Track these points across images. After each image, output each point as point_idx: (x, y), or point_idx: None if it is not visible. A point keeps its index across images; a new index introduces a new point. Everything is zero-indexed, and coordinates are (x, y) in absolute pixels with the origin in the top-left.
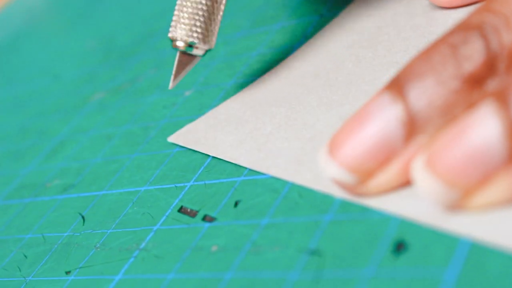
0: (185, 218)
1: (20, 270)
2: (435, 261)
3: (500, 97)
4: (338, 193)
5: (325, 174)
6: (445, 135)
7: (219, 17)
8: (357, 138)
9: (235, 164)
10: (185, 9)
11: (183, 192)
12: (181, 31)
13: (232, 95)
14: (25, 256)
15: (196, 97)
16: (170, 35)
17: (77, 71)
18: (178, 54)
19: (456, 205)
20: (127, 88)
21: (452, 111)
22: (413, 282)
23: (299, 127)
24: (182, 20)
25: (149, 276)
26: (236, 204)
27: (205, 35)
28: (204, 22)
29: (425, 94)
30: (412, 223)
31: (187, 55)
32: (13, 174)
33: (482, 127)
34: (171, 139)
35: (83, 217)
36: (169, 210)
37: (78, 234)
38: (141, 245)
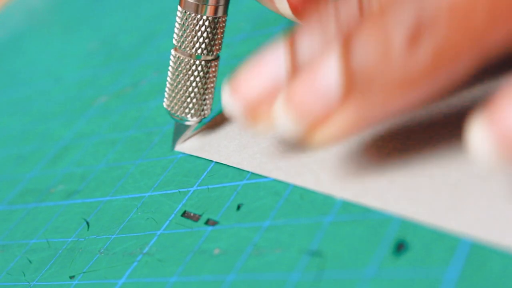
0: (188, 222)
1: (24, 275)
2: (436, 261)
3: (345, 43)
4: (340, 194)
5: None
6: (299, 77)
7: (212, 87)
8: (251, 76)
9: (238, 168)
10: (176, 84)
11: (186, 197)
12: (175, 105)
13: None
14: (30, 261)
15: None
16: (165, 106)
17: (79, 74)
18: (175, 123)
19: (302, 138)
20: (130, 92)
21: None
22: (414, 282)
23: None
24: (174, 95)
25: (152, 280)
26: (238, 207)
27: (198, 109)
28: (196, 97)
29: (308, 36)
30: (412, 223)
31: (183, 123)
32: (17, 179)
33: (326, 69)
34: (177, 148)
35: (87, 223)
36: (173, 215)
37: (83, 239)
38: (144, 249)
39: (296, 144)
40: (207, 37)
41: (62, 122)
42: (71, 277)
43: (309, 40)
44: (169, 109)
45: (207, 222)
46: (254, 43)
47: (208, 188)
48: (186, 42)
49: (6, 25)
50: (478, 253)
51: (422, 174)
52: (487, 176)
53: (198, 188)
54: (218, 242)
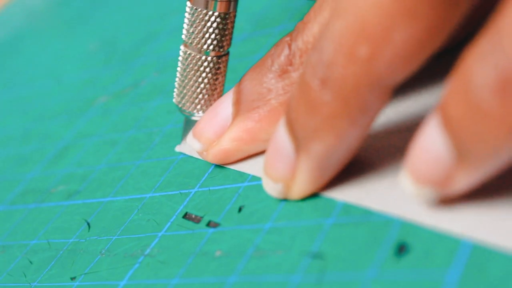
0: (190, 224)
1: (25, 276)
2: (437, 263)
3: (287, 114)
4: (340, 197)
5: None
6: (268, 147)
7: (222, 82)
8: (205, 118)
9: (239, 171)
10: (186, 80)
11: (187, 199)
12: (184, 101)
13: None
14: (31, 262)
15: None
16: (175, 102)
17: (79, 74)
18: (184, 118)
19: (285, 196)
20: (130, 92)
21: (267, 95)
22: (415, 284)
23: None
24: (183, 91)
25: (153, 282)
26: (240, 209)
27: (208, 104)
28: (207, 92)
29: (250, 82)
30: (413, 225)
31: (193, 119)
32: (17, 180)
33: (279, 135)
34: (178, 148)
35: (88, 224)
36: (174, 217)
37: (84, 240)
38: (146, 251)
39: None
40: (218, 33)
41: (62, 122)
42: (72, 279)
43: (250, 88)
44: (179, 104)
45: (209, 224)
46: (255, 43)
47: (209, 189)
48: (196, 38)
49: (6, 25)
50: (479, 255)
51: None
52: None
53: (199, 189)
54: (220, 244)
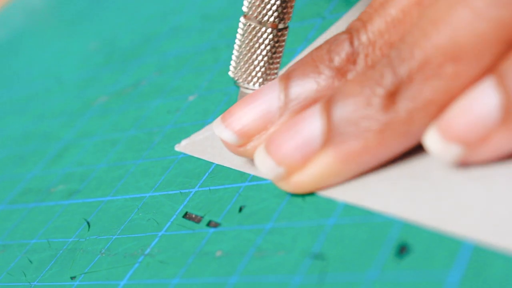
0: (190, 223)
1: (25, 275)
2: (438, 264)
3: (328, 100)
4: (342, 197)
5: (217, 135)
6: (283, 126)
7: (280, 57)
8: (244, 109)
9: (240, 170)
10: (244, 51)
11: (188, 198)
12: (240, 73)
13: (236, 100)
14: (30, 262)
15: (200, 102)
16: (231, 74)
17: (79, 74)
18: (239, 91)
19: (280, 179)
20: (130, 92)
21: (322, 94)
22: (416, 285)
23: None
24: (241, 62)
25: (153, 281)
26: (240, 209)
27: (264, 78)
28: (264, 65)
29: (302, 80)
30: (415, 226)
31: (247, 91)
32: (17, 179)
33: (308, 122)
34: (178, 148)
35: (88, 223)
36: (174, 216)
37: (83, 239)
38: (146, 250)
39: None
40: (280, 5)
41: (62, 122)
42: (72, 278)
43: (301, 83)
44: (235, 77)
45: (209, 224)
46: None
47: (209, 189)
48: (257, 10)
49: (6, 25)
50: (481, 256)
51: (424, 177)
52: (489, 179)
53: (200, 189)
54: (220, 244)
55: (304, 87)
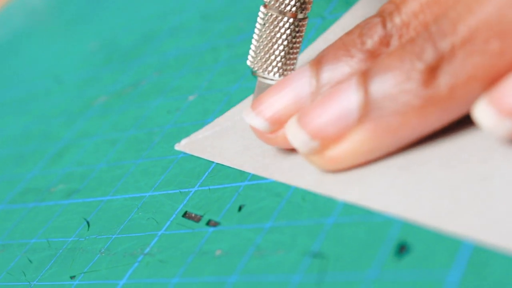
0: (190, 223)
1: (25, 275)
2: (438, 263)
3: (364, 73)
4: (341, 197)
5: (247, 122)
6: (317, 99)
7: (298, 47)
8: (275, 96)
9: (239, 169)
10: (263, 41)
11: (187, 198)
12: (259, 63)
13: (237, 100)
14: (30, 261)
15: (200, 102)
16: (249, 64)
17: (79, 74)
18: (257, 82)
19: (314, 154)
20: (130, 92)
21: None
22: (416, 284)
23: None
24: (260, 52)
25: (153, 281)
26: (240, 208)
27: (283, 68)
28: (284, 55)
29: (334, 64)
30: (414, 225)
31: (265, 82)
32: (17, 179)
33: (345, 95)
34: (178, 147)
35: (88, 222)
36: (174, 215)
37: (83, 239)
38: (145, 250)
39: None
40: None
41: (62, 122)
42: (72, 277)
43: (333, 68)
44: (253, 67)
45: (209, 223)
46: None
47: (209, 189)
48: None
49: (6, 25)
50: (480, 255)
51: (424, 176)
52: (489, 178)
53: (199, 188)
54: (220, 243)
55: (336, 71)
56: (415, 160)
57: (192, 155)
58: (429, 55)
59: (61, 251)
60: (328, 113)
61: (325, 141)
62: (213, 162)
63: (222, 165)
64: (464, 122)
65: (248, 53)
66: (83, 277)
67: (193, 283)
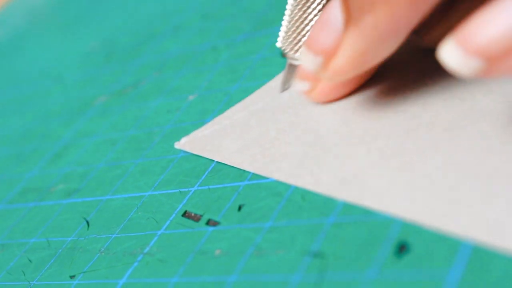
0: (189, 222)
1: (24, 274)
2: (438, 263)
3: None
4: (340, 196)
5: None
6: (316, 19)
7: None
8: (315, 30)
9: (239, 169)
10: (294, 22)
11: (187, 197)
12: (290, 44)
13: (236, 100)
14: (30, 261)
15: (199, 101)
16: (279, 45)
17: (79, 74)
18: (287, 63)
19: (321, 69)
20: (130, 91)
21: None
22: (416, 284)
23: (303, 132)
24: (290, 33)
25: (153, 280)
26: (239, 208)
27: None
28: None
29: None
30: (414, 225)
31: (295, 63)
32: (17, 178)
33: (330, 8)
34: (178, 145)
35: (87, 222)
36: (173, 215)
37: (83, 238)
38: (145, 249)
39: (299, 148)
40: None
41: (62, 122)
42: (71, 277)
43: None
44: (283, 47)
45: (208, 223)
46: (255, 43)
47: (209, 188)
48: None
49: (6, 25)
50: (480, 255)
51: (423, 176)
52: (488, 179)
53: (199, 188)
54: (219, 242)
55: None
56: (415, 160)
57: (192, 155)
58: None
59: (60, 250)
60: (320, 29)
61: (326, 54)
62: (212, 161)
63: (222, 164)
64: (464, 123)
65: (248, 53)
66: (83, 277)
67: (193, 283)
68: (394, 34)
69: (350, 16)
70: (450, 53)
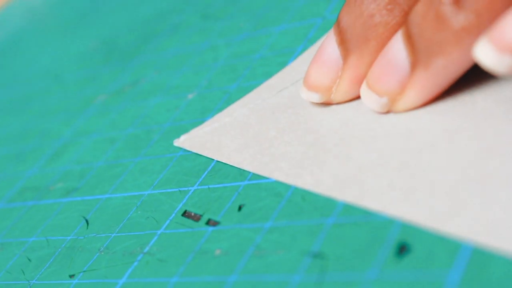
0: (189, 222)
1: (24, 274)
2: (438, 264)
3: (406, 25)
4: (341, 196)
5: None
6: (376, 60)
7: None
8: (314, 67)
9: (239, 168)
10: None
11: (187, 196)
12: None
13: (236, 98)
14: (29, 260)
15: (199, 100)
16: None
17: (78, 73)
18: None
19: (387, 109)
20: (130, 90)
21: (372, 22)
22: (416, 284)
23: (303, 132)
24: None
25: (152, 280)
26: (239, 208)
27: None
28: None
29: (349, 16)
30: (414, 225)
31: None
32: (16, 177)
33: (394, 49)
34: (177, 143)
35: (87, 221)
36: (173, 214)
37: (82, 237)
38: (145, 249)
39: (299, 148)
40: None
41: (61, 120)
42: (71, 276)
43: (352, 26)
44: None
45: (208, 223)
46: (255, 43)
47: (208, 188)
48: None
49: (6, 25)
50: (481, 256)
51: (422, 176)
52: (488, 180)
53: (199, 187)
54: (220, 242)
55: (354, 24)
56: (415, 160)
57: (191, 154)
58: None
59: (60, 249)
60: (386, 70)
61: (391, 95)
62: (212, 160)
63: (222, 164)
64: (464, 124)
65: (247, 52)
66: (82, 276)
67: (193, 283)
68: (465, 69)
69: (417, 59)
70: (485, 52)
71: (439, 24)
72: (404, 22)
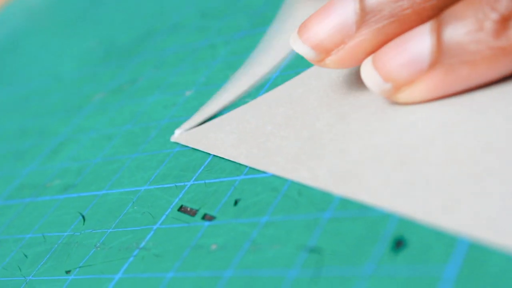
0: (185, 217)
1: (20, 270)
2: (435, 259)
3: (438, 20)
4: (337, 191)
5: (294, 50)
6: (391, 42)
7: None
8: (320, 23)
9: (235, 163)
10: None
11: (183, 191)
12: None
13: None
14: (26, 256)
15: (196, 97)
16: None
17: (77, 71)
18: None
19: (387, 95)
20: (128, 88)
21: (402, 9)
22: (413, 279)
23: (299, 127)
24: None
25: (149, 275)
26: (236, 202)
27: None
28: None
29: None
30: (411, 220)
31: None
32: (14, 174)
33: (418, 40)
34: (173, 138)
35: (83, 217)
36: (169, 209)
37: (79, 233)
38: (141, 244)
39: (296, 143)
40: None
41: (59, 118)
42: (67, 272)
43: None
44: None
45: (204, 217)
46: (253, 41)
47: (205, 182)
48: None
49: (6, 25)
50: (477, 251)
51: (420, 172)
52: (484, 175)
53: (195, 182)
54: (215, 237)
55: None
56: (411, 156)
57: (188, 149)
58: (503, 5)
59: (56, 245)
60: (402, 57)
61: (397, 83)
62: (209, 155)
63: (218, 158)
64: (460, 120)
65: (246, 50)
66: (79, 272)
67: (189, 278)
68: (484, 83)
69: (440, 59)
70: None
71: (478, 35)
72: (435, 15)
